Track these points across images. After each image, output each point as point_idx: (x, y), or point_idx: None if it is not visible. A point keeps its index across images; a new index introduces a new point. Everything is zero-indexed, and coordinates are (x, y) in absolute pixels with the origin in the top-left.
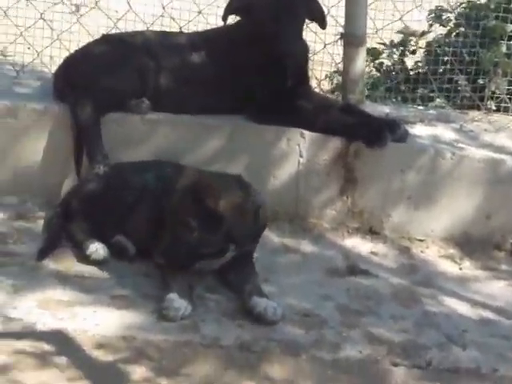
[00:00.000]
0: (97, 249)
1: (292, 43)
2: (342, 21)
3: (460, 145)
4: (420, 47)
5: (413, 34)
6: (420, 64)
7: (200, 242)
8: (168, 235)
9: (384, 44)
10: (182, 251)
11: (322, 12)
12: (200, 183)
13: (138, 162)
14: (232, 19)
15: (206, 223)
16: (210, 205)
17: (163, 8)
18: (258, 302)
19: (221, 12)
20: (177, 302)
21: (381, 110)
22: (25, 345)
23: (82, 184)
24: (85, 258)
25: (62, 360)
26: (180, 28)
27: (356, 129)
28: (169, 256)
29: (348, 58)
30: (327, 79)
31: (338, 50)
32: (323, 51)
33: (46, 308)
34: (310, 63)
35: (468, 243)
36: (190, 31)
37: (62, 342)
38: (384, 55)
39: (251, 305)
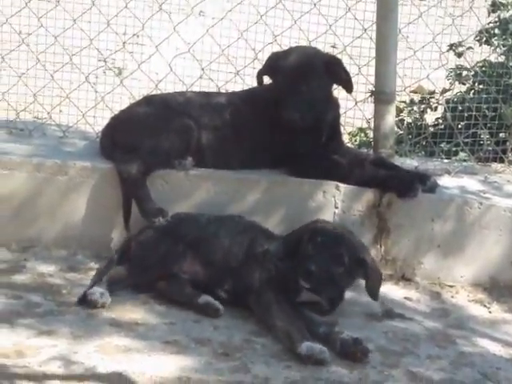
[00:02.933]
0: (96, 291)
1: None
2: (372, 79)
3: (486, 195)
4: (440, 104)
5: (430, 92)
6: (440, 120)
7: None
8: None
9: (404, 102)
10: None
11: (348, 76)
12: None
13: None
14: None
15: None
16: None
17: (202, 69)
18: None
19: (256, 73)
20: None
21: (410, 163)
22: None
23: (139, 234)
24: (84, 299)
25: None
26: (218, 88)
27: (388, 181)
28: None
29: (378, 115)
30: (350, 136)
31: (369, 107)
32: (354, 108)
33: (105, 353)
34: (342, 119)
35: (495, 288)
36: (227, 91)
37: (122, 383)
38: (405, 112)
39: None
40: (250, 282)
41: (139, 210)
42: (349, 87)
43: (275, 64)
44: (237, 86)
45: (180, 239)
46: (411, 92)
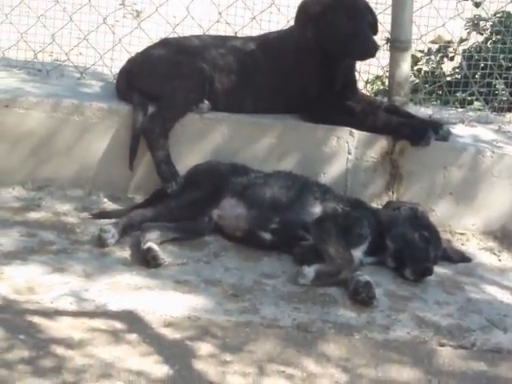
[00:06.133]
0: (110, 231)
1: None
2: (388, 27)
3: (499, 144)
4: (457, 53)
5: (447, 42)
6: (457, 70)
7: None
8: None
9: (422, 51)
10: None
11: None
12: None
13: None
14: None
15: None
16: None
17: (219, 14)
18: None
19: (273, 18)
20: None
21: (424, 111)
22: (98, 323)
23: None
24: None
25: (133, 337)
26: (235, 33)
27: (401, 128)
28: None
29: (394, 62)
30: (367, 83)
31: (385, 54)
32: None
33: (116, 291)
34: (358, 66)
35: (506, 237)
36: (244, 36)
37: (132, 321)
38: (422, 61)
39: None
40: (305, 215)
41: (156, 170)
42: (376, 28)
43: (327, 5)
44: (253, 31)
45: (225, 186)
46: (431, 42)
